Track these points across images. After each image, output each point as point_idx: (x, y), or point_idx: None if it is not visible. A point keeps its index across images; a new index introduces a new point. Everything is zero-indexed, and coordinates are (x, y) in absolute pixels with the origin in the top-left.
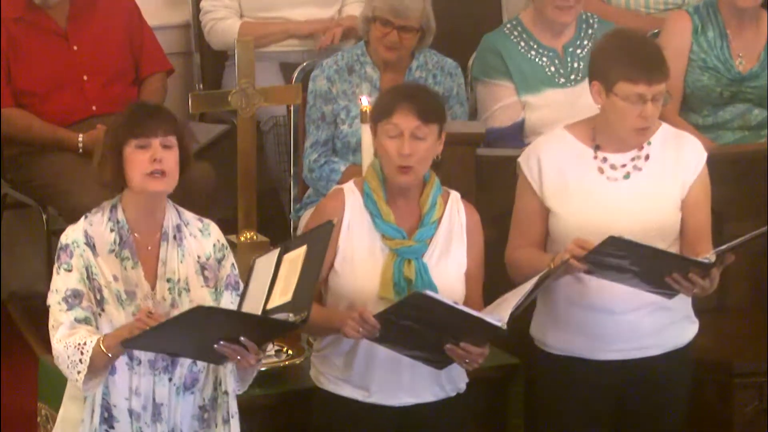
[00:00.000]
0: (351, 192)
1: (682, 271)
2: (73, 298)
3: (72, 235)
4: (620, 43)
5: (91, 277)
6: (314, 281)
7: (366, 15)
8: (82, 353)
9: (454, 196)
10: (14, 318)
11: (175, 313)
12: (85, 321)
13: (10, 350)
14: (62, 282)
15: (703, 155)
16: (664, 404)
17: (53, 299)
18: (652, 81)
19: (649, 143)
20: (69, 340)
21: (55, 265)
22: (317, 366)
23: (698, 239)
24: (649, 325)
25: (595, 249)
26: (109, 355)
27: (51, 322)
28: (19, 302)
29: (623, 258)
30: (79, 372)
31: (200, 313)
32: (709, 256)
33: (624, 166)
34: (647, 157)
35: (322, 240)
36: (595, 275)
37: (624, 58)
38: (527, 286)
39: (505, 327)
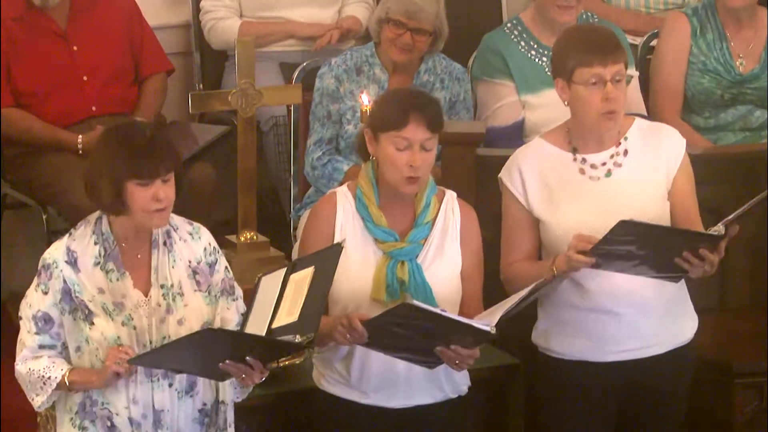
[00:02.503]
0: (344, 196)
1: (692, 248)
2: (44, 323)
3: (54, 254)
4: (571, 35)
5: (74, 296)
6: (321, 303)
7: (379, 16)
8: (44, 384)
9: (450, 195)
10: (14, 318)
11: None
12: (50, 347)
13: (10, 350)
14: (37, 301)
15: (683, 142)
16: (665, 404)
17: (25, 313)
18: (606, 61)
19: (626, 138)
20: (33, 366)
21: (35, 281)
22: (319, 368)
23: (689, 227)
24: (650, 323)
25: (605, 237)
26: (70, 390)
27: (20, 336)
28: (19, 302)
29: (631, 243)
30: (36, 396)
31: (208, 335)
32: (717, 228)
33: (604, 164)
34: (626, 153)
35: (330, 262)
36: (601, 267)
37: (576, 46)
38: (522, 292)
39: (494, 331)
